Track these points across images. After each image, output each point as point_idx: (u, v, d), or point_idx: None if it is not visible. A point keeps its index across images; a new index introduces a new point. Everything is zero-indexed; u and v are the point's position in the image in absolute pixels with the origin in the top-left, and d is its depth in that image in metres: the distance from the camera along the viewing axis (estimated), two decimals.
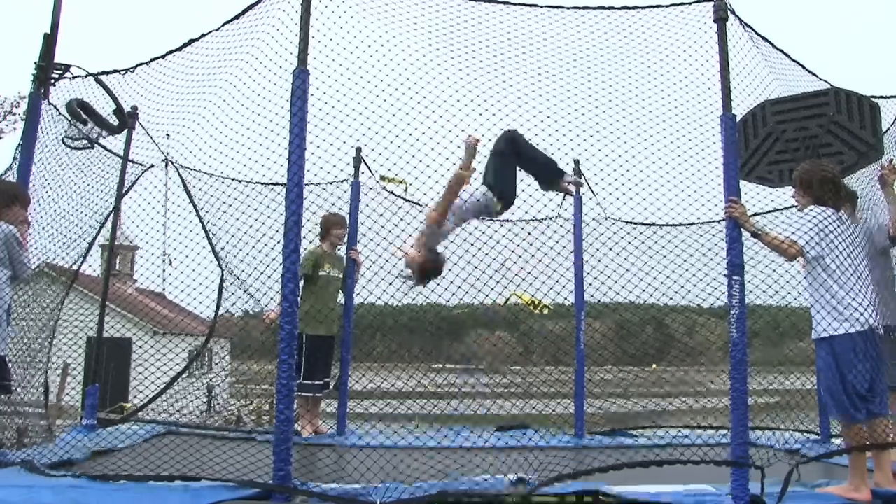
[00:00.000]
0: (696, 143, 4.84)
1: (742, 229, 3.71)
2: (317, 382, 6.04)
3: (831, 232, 3.71)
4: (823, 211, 3.76)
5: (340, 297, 6.38)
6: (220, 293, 6.36)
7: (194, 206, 6.41)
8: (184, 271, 6.12)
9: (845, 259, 3.69)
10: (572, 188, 4.93)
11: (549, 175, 4.71)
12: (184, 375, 6.58)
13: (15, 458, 4.23)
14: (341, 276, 6.31)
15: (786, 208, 5.20)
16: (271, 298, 6.00)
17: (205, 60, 5.03)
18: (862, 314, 3.60)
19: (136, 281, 12.86)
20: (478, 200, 4.49)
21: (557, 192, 4.92)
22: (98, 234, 5.93)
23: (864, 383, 3.61)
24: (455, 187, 4.34)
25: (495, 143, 4.58)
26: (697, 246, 5.83)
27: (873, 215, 4.86)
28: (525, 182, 4.84)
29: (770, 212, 5.36)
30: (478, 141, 4.43)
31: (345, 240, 6.32)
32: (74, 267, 5.71)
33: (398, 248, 4.59)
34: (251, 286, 6.14)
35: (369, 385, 6.57)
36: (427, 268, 4.44)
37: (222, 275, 6.32)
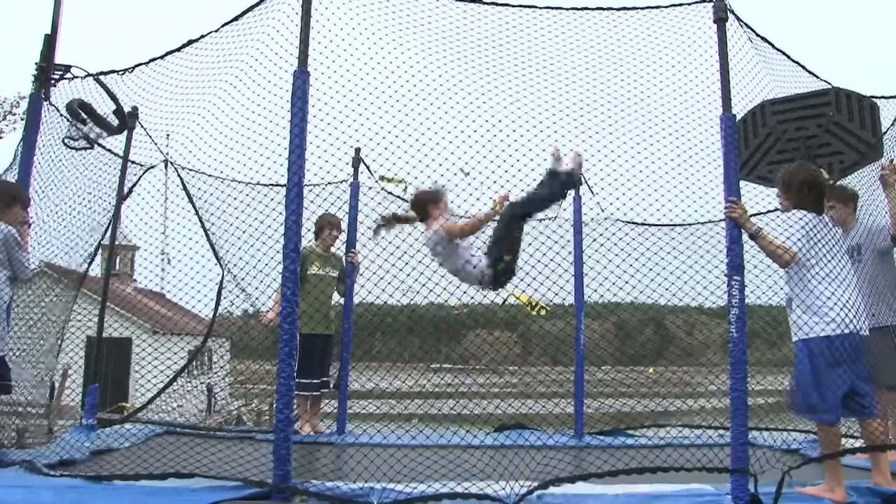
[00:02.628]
0: (696, 143, 4.85)
1: (742, 230, 3.72)
2: (313, 381, 6.04)
3: (815, 235, 3.71)
4: (806, 214, 3.76)
5: (339, 298, 6.38)
6: (219, 293, 6.36)
7: (194, 206, 6.42)
8: (183, 271, 6.14)
9: (828, 262, 3.69)
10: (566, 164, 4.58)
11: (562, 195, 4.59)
12: (183, 375, 6.58)
13: (15, 458, 4.24)
14: (337, 275, 6.31)
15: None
16: (269, 297, 6.00)
17: (205, 61, 5.03)
18: (843, 318, 3.59)
19: (135, 281, 12.87)
20: (474, 268, 4.44)
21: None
22: (103, 235, 5.94)
23: (842, 386, 3.60)
24: (478, 225, 4.41)
25: (502, 216, 4.50)
26: (697, 246, 5.84)
27: (873, 216, 4.86)
28: (523, 182, 4.85)
29: (771, 212, 5.37)
30: (506, 198, 4.45)
31: (339, 240, 6.32)
32: (81, 269, 5.71)
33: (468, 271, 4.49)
34: (249, 285, 6.14)
35: (367, 384, 6.57)
36: (499, 270, 4.42)
37: (222, 275, 6.32)
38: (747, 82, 4.66)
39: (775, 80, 4.90)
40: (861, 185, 5.07)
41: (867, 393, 3.70)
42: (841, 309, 3.60)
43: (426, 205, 4.64)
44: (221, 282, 6.32)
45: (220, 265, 6.31)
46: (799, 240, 3.70)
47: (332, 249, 6.37)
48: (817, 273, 3.68)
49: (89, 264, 5.78)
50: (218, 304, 6.39)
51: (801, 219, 3.74)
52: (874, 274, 4.61)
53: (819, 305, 3.64)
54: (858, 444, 4.04)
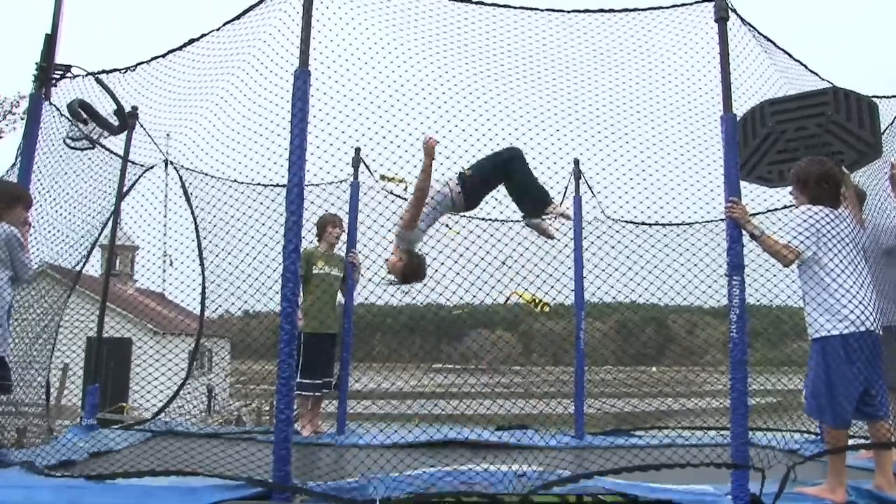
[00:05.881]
0: (696, 143, 4.84)
1: (742, 229, 3.70)
2: (316, 381, 6.04)
3: (828, 231, 3.65)
4: (820, 210, 3.70)
5: (339, 298, 6.39)
6: (203, 296, 6.40)
7: (190, 207, 6.43)
8: (181, 270, 6.16)
9: (842, 259, 3.62)
10: (552, 230, 4.83)
11: (534, 205, 4.71)
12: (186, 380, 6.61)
13: (15, 458, 4.23)
14: (340, 275, 6.32)
15: (785, 207, 5.20)
16: (270, 299, 6.00)
17: (206, 60, 5.03)
18: (858, 315, 3.53)
19: (136, 281, 12.87)
20: (443, 195, 4.60)
21: (536, 228, 4.83)
22: (100, 235, 5.93)
23: (857, 386, 3.53)
24: (420, 195, 4.45)
25: (500, 151, 4.64)
26: (698, 246, 5.84)
27: (878, 215, 4.85)
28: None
29: (773, 210, 5.36)
30: (436, 142, 4.46)
31: (342, 239, 6.33)
32: (77, 268, 5.71)
33: (385, 259, 4.74)
34: (251, 287, 6.14)
35: (369, 385, 6.57)
36: (407, 271, 4.61)
37: (203, 277, 6.36)
38: (753, 81, 4.65)
39: (784, 77, 4.88)
40: (864, 185, 5.06)
41: (879, 393, 3.62)
42: (856, 306, 3.53)
43: None
44: (203, 284, 6.36)
45: (202, 268, 6.35)
46: (801, 233, 3.64)
47: (335, 249, 6.39)
48: (831, 270, 3.61)
49: (84, 264, 5.77)
50: (203, 306, 6.42)
51: (812, 215, 3.68)
52: (879, 274, 4.60)
53: (832, 303, 3.58)
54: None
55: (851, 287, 3.59)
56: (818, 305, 3.65)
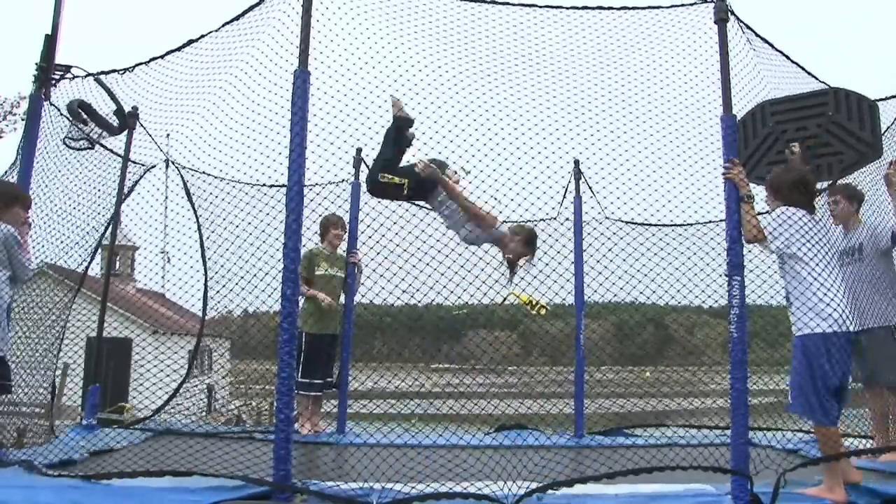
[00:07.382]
0: (696, 144, 4.85)
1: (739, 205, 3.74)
2: (316, 381, 6.04)
3: (806, 232, 3.69)
4: (797, 212, 3.75)
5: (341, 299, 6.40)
6: (205, 295, 6.40)
7: (193, 206, 6.43)
8: (183, 270, 6.16)
9: (818, 262, 3.67)
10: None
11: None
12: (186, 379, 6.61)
13: (15, 458, 4.23)
14: (344, 276, 6.32)
15: None
16: (269, 296, 6.00)
17: (205, 61, 5.02)
18: (839, 315, 3.58)
19: (136, 281, 12.85)
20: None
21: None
22: (103, 235, 5.94)
23: (834, 383, 3.60)
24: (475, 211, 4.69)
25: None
26: (697, 246, 5.84)
27: (876, 216, 4.86)
28: (523, 182, 4.85)
29: (767, 212, 5.37)
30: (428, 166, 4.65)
31: (344, 239, 6.35)
32: (80, 269, 5.71)
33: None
34: (250, 284, 6.15)
35: (367, 382, 6.57)
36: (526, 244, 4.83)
37: (205, 277, 6.36)
38: (747, 82, 4.66)
39: (773, 82, 4.89)
40: (863, 186, 5.07)
41: (846, 398, 3.73)
42: (836, 307, 3.59)
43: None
44: (206, 283, 6.36)
45: (205, 267, 6.34)
46: (781, 233, 3.71)
47: (337, 250, 6.41)
48: (812, 269, 3.66)
49: (88, 264, 5.77)
50: (206, 306, 6.43)
51: (790, 216, 3.73)
52: (876, 273, 4.61)
53: (815, 302, 3.63)
54: (857, 443, 4.03)
55: (831, 289, 3.64)
56: (804, 303, 3.69)
